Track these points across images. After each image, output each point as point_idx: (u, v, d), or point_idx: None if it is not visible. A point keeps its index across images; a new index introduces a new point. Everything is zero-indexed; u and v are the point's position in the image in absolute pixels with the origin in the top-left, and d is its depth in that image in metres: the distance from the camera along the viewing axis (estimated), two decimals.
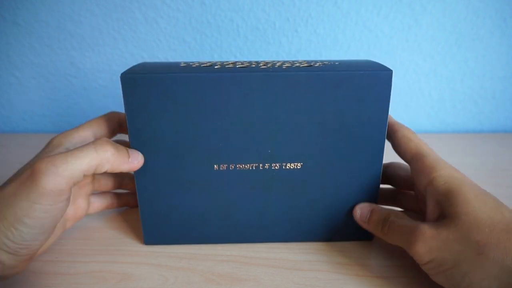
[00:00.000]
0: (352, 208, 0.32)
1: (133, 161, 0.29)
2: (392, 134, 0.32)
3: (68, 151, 0.26)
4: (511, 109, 0.62)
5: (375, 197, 0.32)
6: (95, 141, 0.27)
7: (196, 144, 0.30)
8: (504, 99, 0.61)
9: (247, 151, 0.30)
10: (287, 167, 0.31)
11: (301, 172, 0.31)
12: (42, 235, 0.26)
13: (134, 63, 0.59)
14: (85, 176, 0.27)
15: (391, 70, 0.29)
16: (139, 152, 0.30)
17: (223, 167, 0.31)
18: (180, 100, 0.29)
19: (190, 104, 0.29)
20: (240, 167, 0.31)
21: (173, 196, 0.31)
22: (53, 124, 0.63)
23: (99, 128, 0.32)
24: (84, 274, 0.30)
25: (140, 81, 0.28)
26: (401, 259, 0.31)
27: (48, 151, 0.29)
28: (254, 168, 0.31)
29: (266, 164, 0.31)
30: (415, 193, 0.33)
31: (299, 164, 0.31)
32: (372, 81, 0.29)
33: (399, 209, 0.35)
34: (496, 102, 0.61)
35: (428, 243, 0.25)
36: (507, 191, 0.27)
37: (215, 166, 0.31)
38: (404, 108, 0.61)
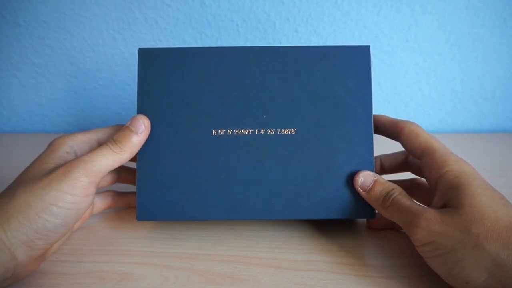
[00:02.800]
0: (349, 181, 0.32)
1: (139, 130, 0.31)
2: (399, 132, 0.32)
3: (91, 151, 0.29)
4: (511, 109, 0.62)
5: (370, 169, 0.32)
6: (108, 143, 0.30)
7: (197, 110, 0.33)
8: (504, 99, 0.61)
9: (244, 116, 0.33)
10: (282, 133, 0.33)
11: (295, 138, 0.33)
12: (62, 227, 0.28)
13: (134, 63, 0.59)
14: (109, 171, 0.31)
15: (369, 45, 0.34)
16: (138, 117, 0.32)
17: (221, 132, 0.33)
18: (186, 70, 0.33)
19: (195, 74, 0.33)
20: (237, 132, 0.33)
21: (171, 164, 0.33)
22: (53, 124, 0.63)
23: (103, 135, 0.34)
24: (84, 274, 0.30)
25: (154, 53, 0.34)
26: (402, 259, 0.31)
27: (52, 150, 0.30)
28: (250, 133, 0.33)
29: (262, 130, 0.33)
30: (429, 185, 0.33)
31: (293, 130, 0.33)
32: (352, 53, 0.33)
33: None
34: (496, 102, 0.61)
35: (431, 227, 0.25)
36: (507, 191, 0.27)
37: (213, 131, 0.33)
38: (404, 108, 0.62)
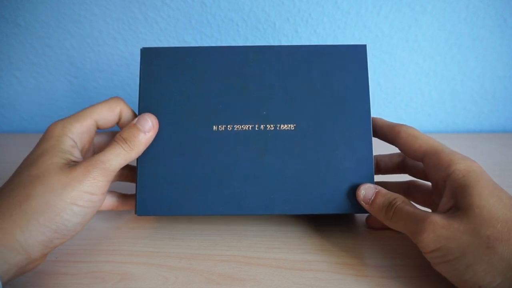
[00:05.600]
0: (348, 176, 0.32)
1: (145, 128, 0.32)
2: (396, 136, 0.32)
3: (106, 150, 0.30)
4: (511, 109, 0.62)
5: (369, 165, 0.33)
6: (118, 141, 0.31)
7: (198, 106, 0.34)
8: (504, 99, 0.61)
9: (244, 112, 0.34)
10: (281, 128, 0.33)
11: (294, 134, 0.33)
12: (80, 226, 0.28)
13: (134, 63, 0.59)
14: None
15: (365, 44, 0.34)
16: (146, 115, 0.32)
17: (222, 128, 0.33)
18: (188, 68, 0.34)
19: (196, 72, 0.34)
20: (237, 128, 0.33)
21: (172, 159, 0.33)
22: None
23: (100, 117, 0.32)
24: (84, 274, 0.30)
25: (156, 52, 0.34)
26: (401, 259, 0.31)
27: (56, 142, 0.29)
28: (250, 129, 0.33)
29: (262, 125, 0.33)
30: (432, 186, 0.32)
31: (292, 126, 0.33)
32: (350, 52, 0.34)
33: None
34: (496, 102, 0.61)
35: (437, 232, 0.25)
36: (508, 191, 0.27)
37: (214, 127, 0.33)
38: (404, 108, 0.62)
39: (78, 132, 0.31)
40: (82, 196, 0.27)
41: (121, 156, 0.30)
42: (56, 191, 0.26)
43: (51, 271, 0.30)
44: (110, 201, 0.36)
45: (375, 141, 0.34)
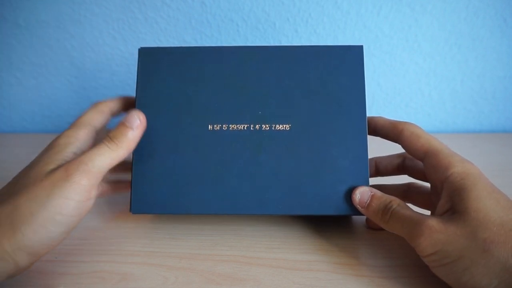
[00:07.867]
0: (344, 176, 0.32)
1: (134, 124, 0.30)
2: (399, 134, 0.32)
3: (89, 150, 0.29)
4: (511, 109, 0.62)
5: (364, 165, 0.32)
6: (104, 140, 0.29)
7: (194, 105, 0.34)
8: (504, 99, 0.61)
9: (239, 112, 0.34)
10: (277, 128, 0.33)
11: (289, 133, 0.33)
12: (65, 234, 0.27)
13: (134, 63, 0.59)
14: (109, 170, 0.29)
15: (362, 45, 0.34)
16: (133, 112, 0.31)
17: (217, 127, 0.33)
18: (184, 68, 0.34)
19: (192, 71, 0.34)
20: (232, 127, 0.33)
21: (167, 158, 0.33)
22: (53, 124, 0.63)
23: (98, 122, 0.33)
24: (84, 274, 0.30)
25: (154, 52, 0.35)
26: (401, 259, 0.31)
27: (57, 151, 0.29)
28: (245, 128, 0.33)
29: (257, 125, 0.33)
30: (431, 187, 0.32)
31: (287, 126, 0.33)
32: (346, 53, 0.34)
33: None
34: (496, 102, 0.61)
35: (434, 236, 0.25)
36: (507, 191, 0.27)
37: (209, 126, 0.33)
38: (404, 108, 0.62)
39: (83, 139, 0.31)
40: (65, 203, 0.26)
41: (105, 155, 0.28)
42: (41, 201, 0.26)
43: (51, 271, 0.30)
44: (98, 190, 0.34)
45: (374, 142, 0.34)
